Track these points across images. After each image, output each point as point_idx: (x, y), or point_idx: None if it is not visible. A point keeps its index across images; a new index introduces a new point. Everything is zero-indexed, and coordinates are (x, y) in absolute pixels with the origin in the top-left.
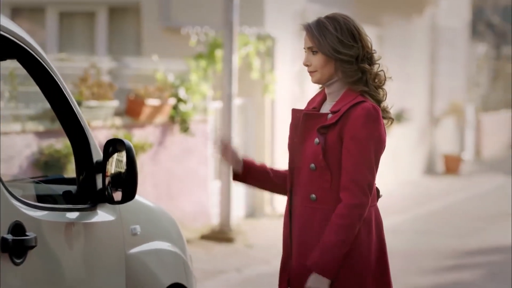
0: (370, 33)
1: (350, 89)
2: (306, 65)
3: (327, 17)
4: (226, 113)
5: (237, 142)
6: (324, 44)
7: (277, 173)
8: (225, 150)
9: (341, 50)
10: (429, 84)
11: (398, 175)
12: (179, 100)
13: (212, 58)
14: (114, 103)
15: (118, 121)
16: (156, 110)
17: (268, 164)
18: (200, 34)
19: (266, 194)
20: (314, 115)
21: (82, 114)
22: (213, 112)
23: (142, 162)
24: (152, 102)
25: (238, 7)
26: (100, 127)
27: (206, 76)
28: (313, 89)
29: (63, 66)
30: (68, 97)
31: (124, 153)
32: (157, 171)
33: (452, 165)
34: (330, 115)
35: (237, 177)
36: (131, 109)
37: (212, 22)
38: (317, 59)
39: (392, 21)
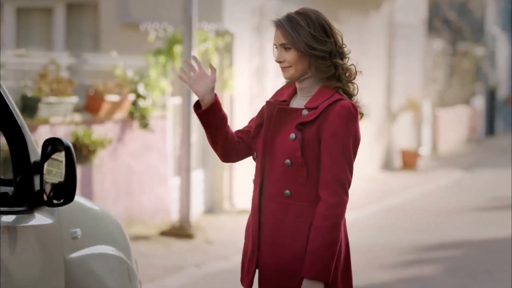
0: None
1: (324, 86)
2: (279, 62)
3: (297, 13)
4: (186, 109)
5: (195, 138)
6: (298, 40)
7: (231, 131)
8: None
9: (315, 46)
10: (386, 79)
11: (356, 171)
12: (138, 96)
13: (171, 54)
14: (74, 99)
15: (77, 117)
16: (116, 106)
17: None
18: (159, 30)
19: (225, 191)
20: (288, 110)
21: (19, 112)
22: (172, 108)
23: (102, 158)
24: (112, 98)
25: (197, 2)
26: (59, 123)
27: (165, 72)
28: (272, 85)
29: (21, 62)
30: (3, 95)
31: (63, 153)
32: (116, 167)
33: (409, 161)
34: (305, 111)
35: (198, 109)
36: (91, 105)
37: (171, 18)
38: (291, 56)
39: (349, 17)
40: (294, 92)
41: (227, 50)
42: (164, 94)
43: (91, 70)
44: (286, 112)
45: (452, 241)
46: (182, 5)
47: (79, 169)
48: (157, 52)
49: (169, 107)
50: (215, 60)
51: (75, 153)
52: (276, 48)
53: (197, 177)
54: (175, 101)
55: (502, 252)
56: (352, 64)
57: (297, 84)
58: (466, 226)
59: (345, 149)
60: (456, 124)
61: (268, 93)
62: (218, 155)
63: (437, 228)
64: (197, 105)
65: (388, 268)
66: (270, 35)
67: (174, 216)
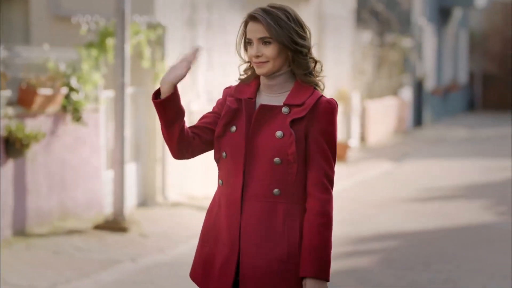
0: None
1: (301, 81)
2: (257, 56)
3: (274, 7)
4: (119, 102)
5: (128, 132)
6: (282, 34)
7: (186, 127)
8: (191, 59)
9: (298, 41)
10: None
11: None
12: (71, 89)
13: (103, 47)
14: (7, 93)
15: (10, 111)
16: (48, 99)
17: (160, 153)
18: (91, 22)
19: (158, 184)
20: (269, 107)
21: None
22: (105, 101)
23: (35, 152)
24: (44, 91)
25: None
26: None
27: (98, 65)
28: (203, 78)
29: None
30: None
31: None
32: (50, 161)
33: (339, 152)
34: (285, 108)
35: (158, 96)
36: (23, 99)
37: (103, 10)
38: (271, 50)
39: None
40: (256, 89)
41: (159, 43)
42: (97, 87)
43: (24, 63)
44: (267, 109)
45: (386, 233)
46: None
47: (12, 163)
48: (89, 45)
49: (101, 100)
50: (147, 53)
51: (9, 147)
52: (250, 43)
53: (130, 170)
54: (107, 94)
55: (436, 243)
56: (319, 61)
57: (267, 81)
58: (398, 217)
59: (332, 145)
60: (385, 115)
61: (200, 86)
62: (172, 151)
63: (370, 220)
64: (156, 95)
65: None
66: (202, 28)
67: (107, 209)
